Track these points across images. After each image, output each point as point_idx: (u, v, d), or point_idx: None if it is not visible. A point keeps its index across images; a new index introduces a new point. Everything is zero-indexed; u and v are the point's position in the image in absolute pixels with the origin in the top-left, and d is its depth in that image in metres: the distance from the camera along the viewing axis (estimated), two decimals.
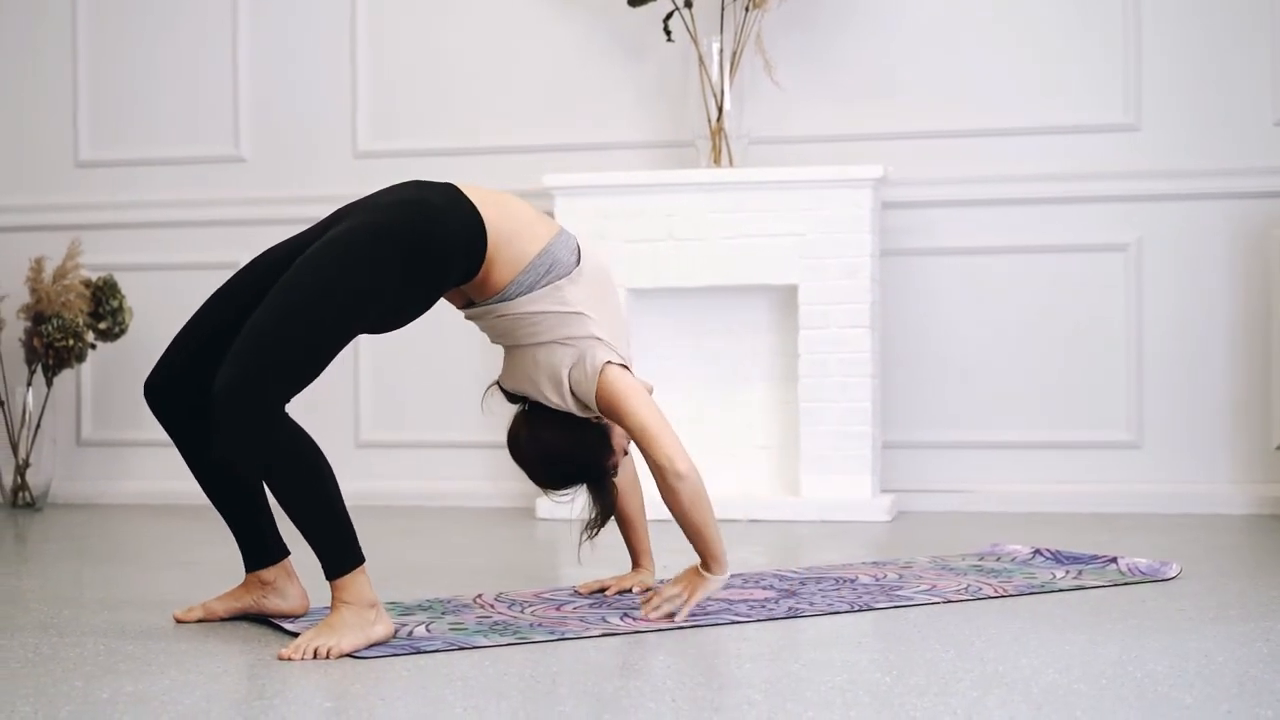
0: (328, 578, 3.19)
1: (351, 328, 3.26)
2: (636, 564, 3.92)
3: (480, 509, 6.00)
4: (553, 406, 3.52)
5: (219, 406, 3.11)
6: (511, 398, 3.63)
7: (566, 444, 3.55)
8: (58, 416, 6.40)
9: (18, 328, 6.36)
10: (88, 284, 6.15)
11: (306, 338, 3.17)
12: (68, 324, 6.03)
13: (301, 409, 6.25)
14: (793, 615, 3.54)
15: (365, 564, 3.21)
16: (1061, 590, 3.85)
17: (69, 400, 6.53)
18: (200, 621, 3.52)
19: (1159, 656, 3.02)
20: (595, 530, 3.69)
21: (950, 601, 3.71)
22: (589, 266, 3.54)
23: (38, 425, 6.20)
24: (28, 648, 3.24)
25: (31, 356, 6.14)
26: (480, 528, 5.50)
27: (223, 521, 3.60)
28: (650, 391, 3.58)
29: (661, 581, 3.99)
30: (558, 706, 2.68)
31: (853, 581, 4.00)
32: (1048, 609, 3.60)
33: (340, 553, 3.18)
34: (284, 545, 3.56)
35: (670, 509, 3.47)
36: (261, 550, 3.54)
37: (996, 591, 3.81)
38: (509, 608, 3.64)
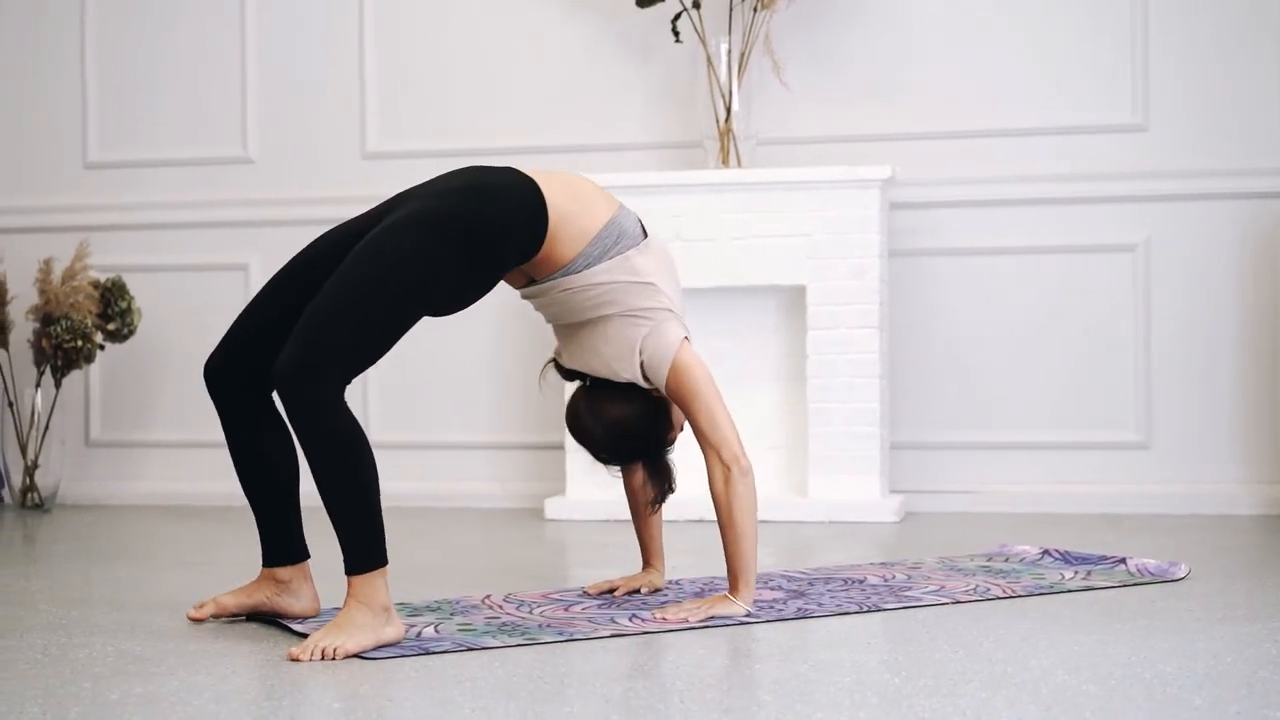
0: (348, 572, 3.18)
1: (413, 313, 3.27)
2: (647, 563, 3.91)
3: (489, 509, 6.00)
4: (620, 380, 3.51)
5: (279, 386, 3.13)
6: (568, 375, 3.63)
7: (629, 417, 3.54)
8: (66, 417, 6.41)
9: (26, 329, 6.37)
10: (96, 285, 6.16)
11: (366, 323, 3.18)
12: (76, 325, 6.04)
13: None
14: (801, 616, 3.54)
15: (387, 567, 3.22)
16: (1070, 591, 3.85)
17: (77, 401, 6.53)
18: (214, 617, 3.52)
19: (1168, 657, 3.01)
20: (658, 505, 3.71)
21: (959, 602, 3.70)
22: (655, 241, 3.57)
23: (46, 426, 6.21)
24: (36, 649, 3.24)
25: (40, 357, 6.15)
26: (489, 528, 5.50)
27: (245, 518, 3.61)
28: None
29: (672, 584, 3.99)
30: (566, 707, 2.68)
31: (861, 582, 4.00)
32: (1056, 610, 3.60)
33: (367, 549, 3.19)
34: (306, 547, 3.57)
35: (721, 509, 3.47)
36: (284, 548, 3.53)
37: (1005, 592, 3.81)
38: (517, 608, 3.64)
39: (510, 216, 3.34)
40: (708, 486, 3.51)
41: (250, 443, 3.48)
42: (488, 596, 3.80)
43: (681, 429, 3.67)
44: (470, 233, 3.28)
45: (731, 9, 5.85)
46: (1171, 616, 3.49)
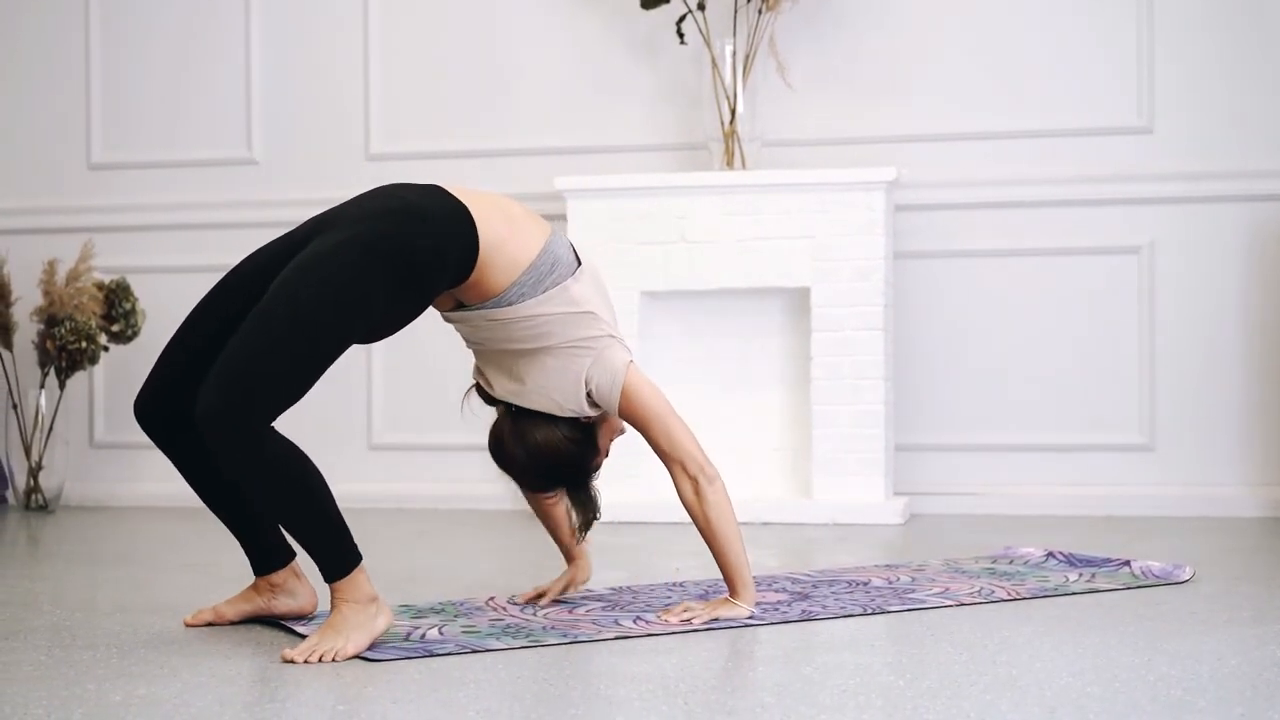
0: (327, 580, 3.17)
1: (339, 344, 3.19)
2: (570, 559, 3.83)
3: (492, 511, 6.00)
4: (557, 413, 3.45)
5: (203, 429, 3.07)
6: (491, 400, 3.57)
7: (554, 445, 3.46)
8: (70, 419, 6.41)
9: (31, 330, 6.37)
10: (100, 286, 6.16)
11: (292, 357, 3.12)
12: (80, 326, 6.04)
13: (313, 412, 6.26)
14: (805, 618, 3.54)
15: (363, 561, 3.20)
16: (1074, 593, 3.84)
17: (82, 402, 6.54)
18: (209, 625, 3.52)
19: (1172, 660, 3.01)
20: (584, 533, 3.63)
21: (963, 604, 3.70)
22: (588, 265, 3.49)
23: (50, 427, 6.21)
24: (40, 651, 3.24)
25: (44, 359, 6.15)
26: (492, 530, 5.50)
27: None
28: None
29: (676, 586, 3.98)
30: (570, 709, 2.68)
31: (865, 584, 4.00)
32: (1061, 612, 3.59)
33: (337, 556, 3.16)
34: (289, 548, 3.55)
35: (699, 521, 3.45)
36: (267, 556, 3.53)
37: (1009, 594, 3.81)
38: (521, 610, 3.64)
39: (440, 243, 3.24)
40: (680, 502, 3.47)
41: (202, 470, 3.45)
42: (492, 598, 3.80)
43: (608, 455, 3.59)
44: (399, 261, 3.19)
45: (736, 11, 5.85)
46: (1176, 619, 3.48)
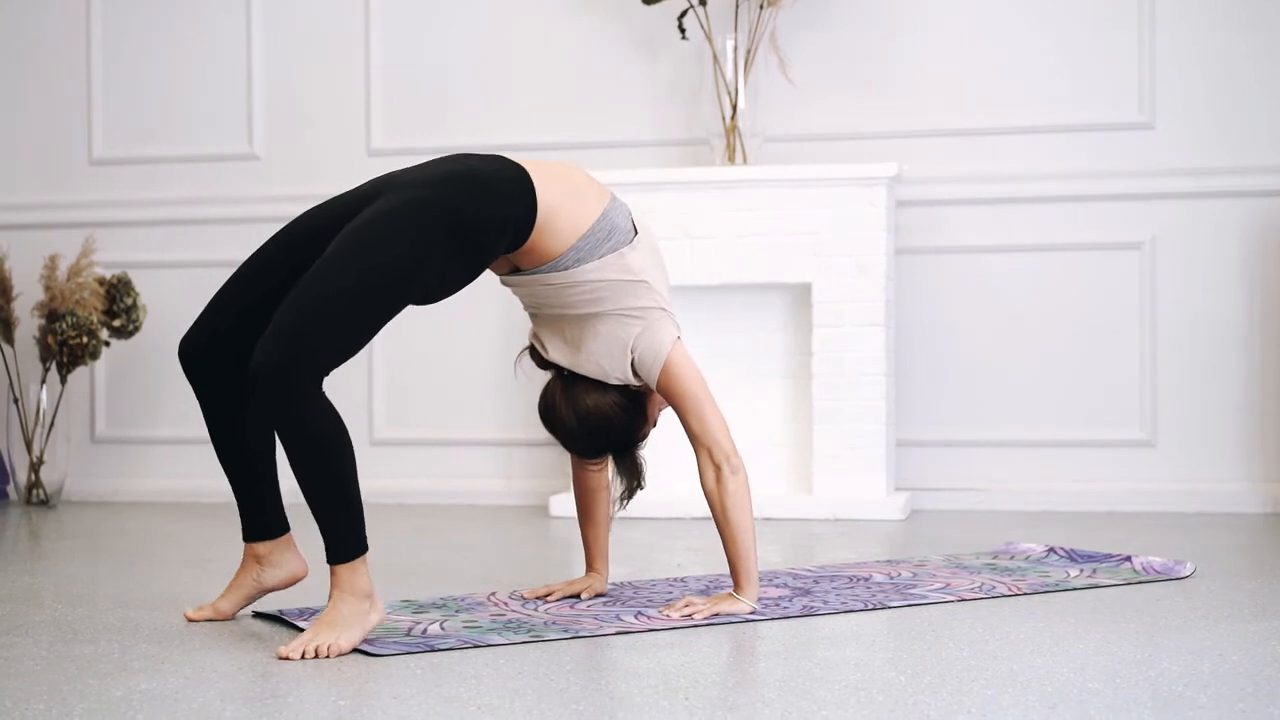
0: (332, 562, 3.16)
1: (396, 304, 3.23)
2: (591, 567, 3.83)
3: (494, 507, 6.00)
4: (609, 380, 3.48)
5: (258, 382, 3.08)
6: (545, 364, 3.59)
7: (604, 412, 3.50)
8: (72, 414, 6.41)
9: (32, 325, 6.37)
10: (102, 281, 6.16)
11: (349, 317, 3.15)
12: (82, 321, 6.04)
13: None
14: (807, 614, 3.54)
15: (368, 553, 3.21)
16: (1075, 589, 3.84)
17: (83, 397, 6.54)
18: (210, 620, 3.53)
19: (1173, 655, 3.01)
20: (626, 501, 3.66)
21: (964, 600, 3.70)
22: (644, 234, 3.52)
23: (51, 422, 6.21)
24: (42, 646, 3.25)
25: (46, 354, 6.15)
26: (494, 525, 5.50)
27: (233, 498, 3.58)
28: None
29: (678, 581, 3.98)
30: (572, 705, 2.68)
31: (867, 580, 4.00)
32: (1062, 608, 3.59)
33: (350, 539, 3.16)
34: (286, 522, 3.55)
35: (715, 509, 3.46)
36: (261, 523, 3.52)
37: (1010, 590, 3.81)
38: (523, 606, 3.64)
39: (499, 207, 3.29)
40: (700, 486, 3.49)
41: (230, 422, 3.46)
42: (493, 594, 3.80)
43: (655, 425, 3.62)
44: (458, 224, 3.24)
45: (738, 6, 5.85)
46: (1177, 615, 3.49)
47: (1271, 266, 5.74)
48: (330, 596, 3.18)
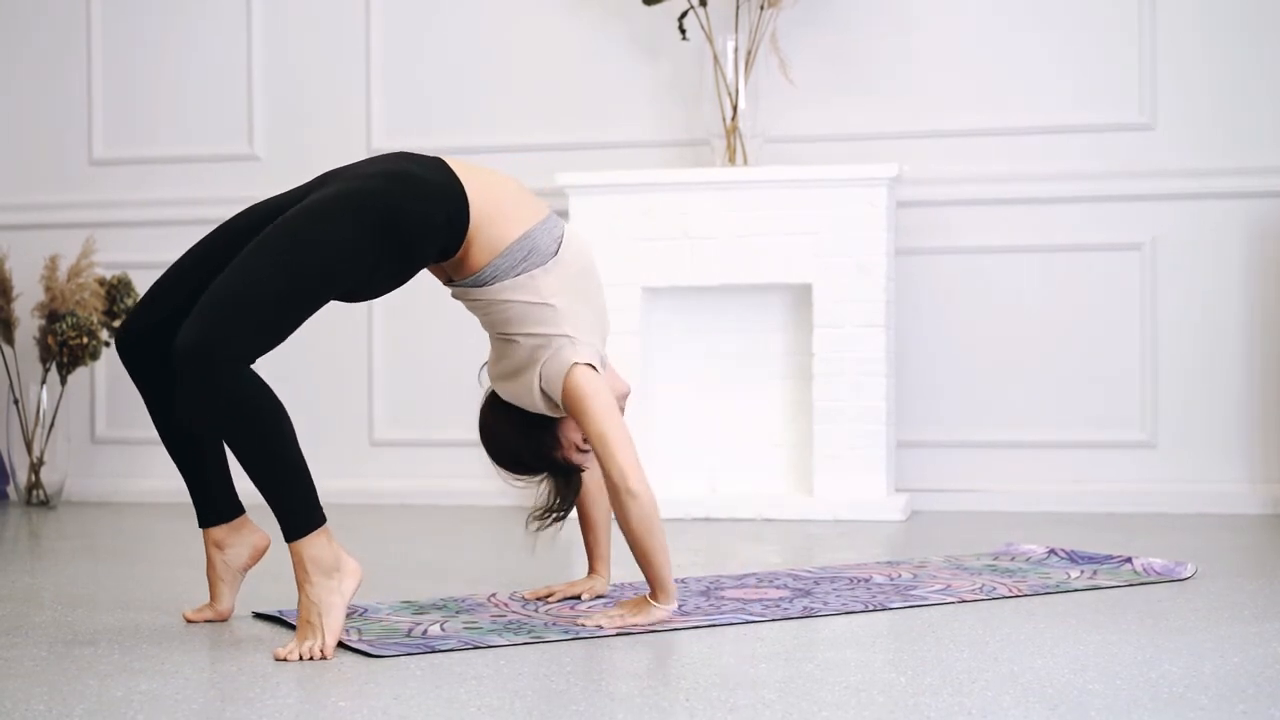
0: (289, 539, 3.14)
1: (321, 295, 3.21)
2: (592, 569, 3.83)
3: (494, 508, 6.00)
4: (521, 405, 3.47)
5: (181, 362, 3.08)
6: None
7: (514, 435, 3.51)
8: (72, 414, 6.41)
9: (32, 326, 6.37)
10: (102, 282, 6.17)
11: (273, 300, 3.14)
12: (82, 322, 6.05)
13: (314, 408, 6.26)
14: (807, 615, 3.54)
15: (326, 525, 3.18)
16: (1076, 590, 3.84)
17: (83, 398, 6.54)
18: (209, 621, 3.53)
19: (1174, 657, 3.01)
20: (545, 522, 3.61)
21: (965, 601, 3.70)
22: (569, 254, 3.46)
23: (52, 423, 6.21)
24: (41, 646, 3.25)
25: (46, 354, 6.15)
26: (494, 526, 5.50)
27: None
28: (626, 394, 3.56)
29: (677, 582, 3.98)
30: (572, 706, 2.68)
31: (867, 581, 4.00)
32: (1063, 609, 3.59)
33: (302, 512, 3.15)
34: (239, 504, 3.54)
35: (620, 525, 3.43)
36: (212, 507, 3.51)
37: (1011, 591, 3.81)
38: (523, 607, 3.64)
39: (429, 210, 3.29)
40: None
41: (170, 411, 3.44)
42: (493, 595, 3.80)
43: (580, 450, 3.56)
44: (389, 220, 3.24)
45: (738, 7, 5.85)
46: (1178, 616, 3.48)
47: (1272, 267, 5.74)
48: (297, 585, 3.15)
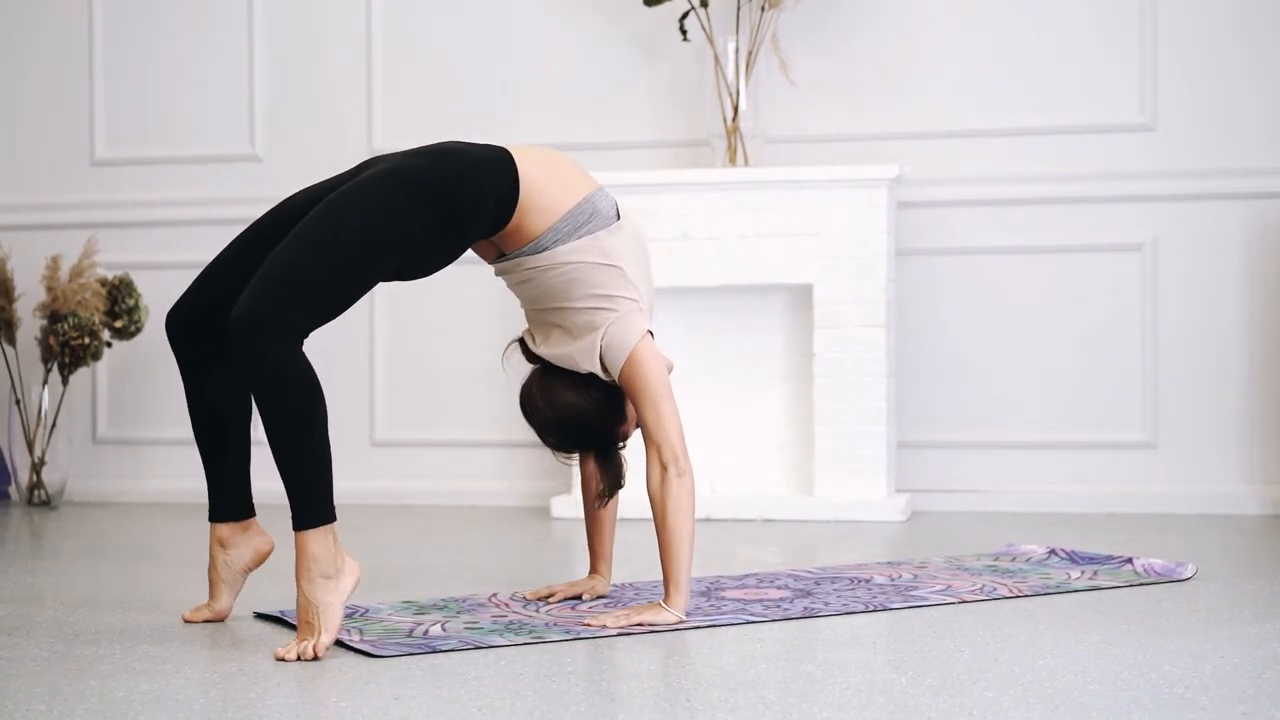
0: (298, 528, 3.14)
1: (374, 272, 3.24)
2: (594, 569, 3.81)
3: (495, 508, 6.01)
4: (577, 369, 3.46)
5: (233, 333, 3.09)
6: (532, 357, 3.57)
7: (580, 405, 3.48)
8: (73, 415, 6.42)
9: (34, 326, 6.37)
10: (104, 282, 6.17)
11: (327, 276, 3.16)
12: (84, 322, 6.05)
13: None
14: (808, 615, 3.54)
15: (335, 524, 3.17)
16: (1077, 591, 3.84)
17: (85, 398, 6.54)
18: (208, 621, 3.53)
19: (1175, 657, 3.01)
20: (605, 500, 3.66)
21: (965, 602, 3.70)
22: (628, 223, 3.50)
23: (53, 423, 6.22)
24: (43, 646, 3.25)
25: (47, 355, 6.16)
26: (495, 527, 5.50)
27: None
28: (670, 369, 3.54)
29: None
30: (573, 706, 2.68)
31: (868, 581, 4.00)
32: (1063, 609, 3.60)
33: (319, 504, 3.14)
34: (251, 506, 3.55)
35: (656, 509, 3.41)
36: (227, 504, 3.52)
37: (1012, 592, 3.81)
38: (524, 607, 3.64)
39: (482, 181, 3.32)
40: (645, 484, 3.44)
41: (209, 398, 3.46)
42: (494, 595, 3.80)
43: (636, 425, 3.56)
44: (441, 196, 3.26)
45: (739, 8, 5.85)
46: (1178, 617, 3.49)
47: (1273, 268, 5.74)
48: (297, 574, 3.14)
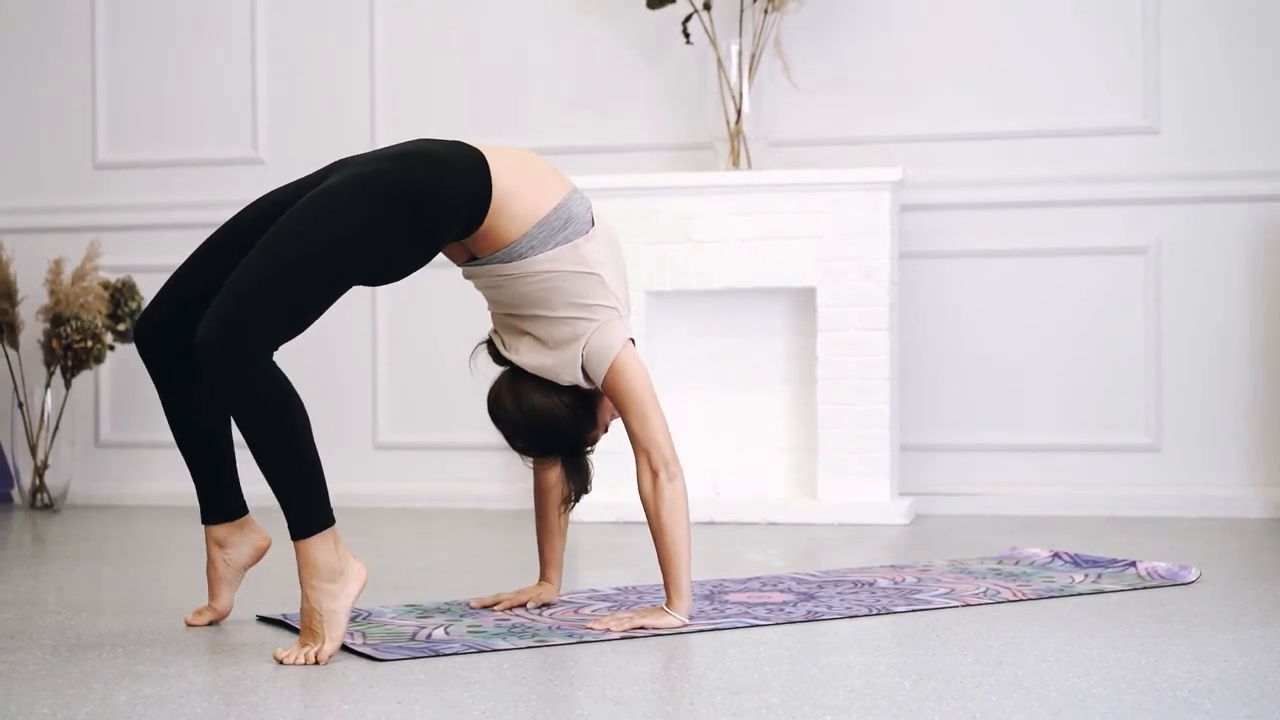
0: (295, 537, 3.11)
1: (344, 279, 3.18)
2: (544, 576, 3.75)
3: (498, 511, 6.00)
4: (558, 380, 3.41)
5: (202, 353, 3.05)
6: (501, 360, 3.51)
7: (551, 412, 3.43)
8: (76, 418, 6.42)
9: (36, 329, 6.38)
10: (106, 285, 6.17)
11: (295, 288, 3.11)
12: (86, 325, 6.05)
13: (318, 411, 6.23)
14: (811, 618, 3.54)
15: (335, 526, 3.15)
16: (1080, 594, 3.84)
17: (87, 401, 6.54)
18: (211, 624, 3.53)
19: (1178, 661, 3.01)
20: (571, 505, 3.61)
21: (968, 605, 3.70)
22: (602, 227, 3.44)
23: (56, 426, 6.22)
24: (45, 650, 3.25)
25: (50, 358, 6.16)
26: (497, 530, 5.50)
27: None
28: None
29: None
30: (576, 709, 2.68)
31: (871, 585, 3.99)
32: (1066, 613, 3.59)
33: (313, 512, 3.11)
34: (243, 504, 3.53)
35: (650, 515, 3.40)
36: (218, 505, 3.51)
37: (1015, 595, 3.81)
38: (527, 610, 3.64)
39: (452, 185, 3.24)
40: (637, 491, 3.42)
41: (184, 404, 3.44)
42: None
43: (606, 430, 3.55)
44: (409, 199, 3.19)
45: (742, 11, 5.85)
46: (1182, 620, 3.48)
47: (1277, 271, 5.73)
48: (301, 581, 3.11)
